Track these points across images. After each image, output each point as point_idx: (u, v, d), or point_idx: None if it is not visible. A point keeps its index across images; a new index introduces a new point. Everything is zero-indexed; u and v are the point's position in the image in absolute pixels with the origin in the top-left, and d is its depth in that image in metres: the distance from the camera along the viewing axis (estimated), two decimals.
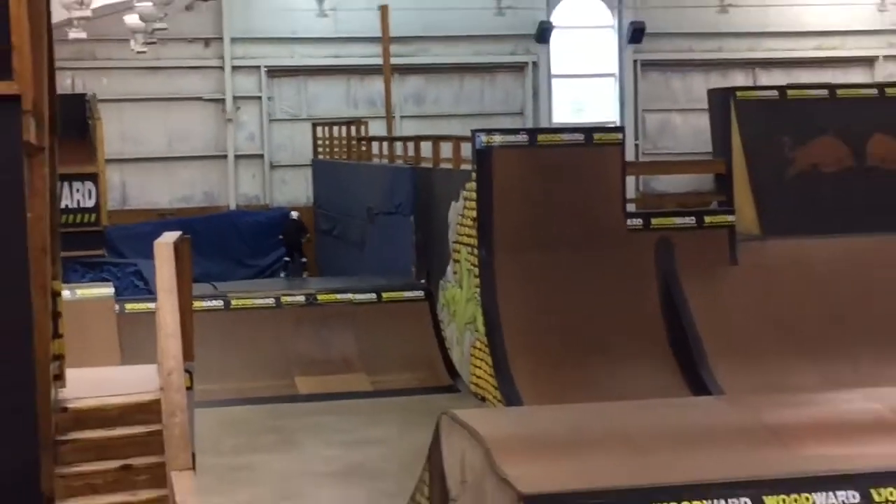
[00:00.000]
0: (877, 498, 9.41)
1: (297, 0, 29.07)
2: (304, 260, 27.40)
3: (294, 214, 27.62)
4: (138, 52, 27.75)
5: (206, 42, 29.59)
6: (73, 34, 23.34)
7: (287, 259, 27.06)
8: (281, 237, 27.63)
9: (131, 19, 25.63)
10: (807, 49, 31.56)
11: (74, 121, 23.66)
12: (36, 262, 7.08)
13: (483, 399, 17.38)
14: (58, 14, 17.53)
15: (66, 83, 23.92)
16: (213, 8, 28.90)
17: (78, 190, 24.94)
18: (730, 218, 18.99)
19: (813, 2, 31.53)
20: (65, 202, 22.93)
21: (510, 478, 9.37)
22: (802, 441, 10.50)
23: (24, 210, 6.84)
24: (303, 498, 13.98)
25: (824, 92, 21.67)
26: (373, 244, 23.85)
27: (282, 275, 26.83)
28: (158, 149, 29.56)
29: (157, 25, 26.02)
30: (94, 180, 25.58)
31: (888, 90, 22.58)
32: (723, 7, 30.30)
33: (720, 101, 21.39)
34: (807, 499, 9.31)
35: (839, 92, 21.78)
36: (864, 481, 9.48)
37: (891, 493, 9.44)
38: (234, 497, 13.21)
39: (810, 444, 10.39)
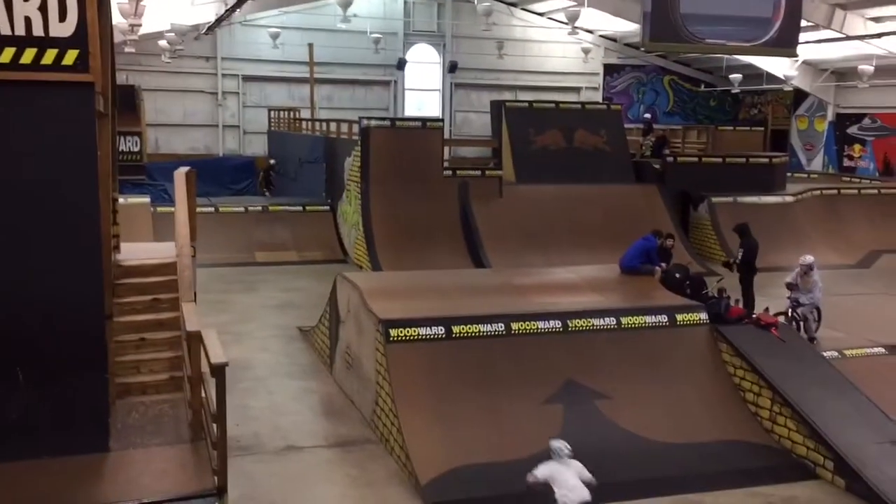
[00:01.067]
0: (570, 325, 9.67)
1: (261, 37, 28.07)
2: (272, 186, 25.58)
3: (272, 161, 25.92)
4: (166, 62, 26.62)
5: (207, 59, 28.44)
6: (127, 49, 22.26)
7: (267, 188, 25.35)
8: (262, 172, 25.86)
9: (163, 42, 24.56)
10: (544, 81, 31.73)
11: (127, 101, 22.56)
12: (103, 181, 6.80)
13: (360, 267, 17.41)
14: (117, 36, 16.65)
15: (122, 78, 22.68)
16: (212, 39, 27.78)
17: (129, 141, 23.91)
18: (499, 172, 19.17)
19: (548, 55, 31.64)
20: (121, 147, 21.97)
21: (374, 309, 9.41)
22: (532, 294, 10.72)
23: (95, 150, 6.54)
24: (257, 319, 13.88)
25: (552, 105, 21.88)
26: (301, 179, 23.45)
27: (265, 193, 25.06)
28: (177, 119, 28.42)
29: (178, 47, 24.99)
30: (139, 136, 24.55)
31: (587, 106, 23.03)
32: (500, 56, 30.19)
33: (497, 107, 21.47)
34: (534, 324, 9.51)
35: (561, 105, 22.05)
36: (563, 316, 9.73)
37: (577, 323, 9.72)
38: (218, 318, 13.03)
39: (536, 296, 10.61)
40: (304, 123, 25.51)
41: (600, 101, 30.17)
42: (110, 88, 7.79)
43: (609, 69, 32.75)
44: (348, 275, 11.13)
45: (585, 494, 6.54)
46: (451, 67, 30.72)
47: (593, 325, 9.70)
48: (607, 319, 9.79)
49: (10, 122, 6.26)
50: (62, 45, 6.21)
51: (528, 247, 17.15)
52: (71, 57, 6.23)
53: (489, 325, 9.31)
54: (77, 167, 6.39)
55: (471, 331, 9.25)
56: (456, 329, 9.20)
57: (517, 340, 9.36)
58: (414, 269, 14.22)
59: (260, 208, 20.12)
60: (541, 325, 9.51)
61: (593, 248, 16.29)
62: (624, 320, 9.83)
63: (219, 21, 24.08)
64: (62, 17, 6.18)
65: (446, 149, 21.79)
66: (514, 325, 9.41)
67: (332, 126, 21.63)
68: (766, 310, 10.84)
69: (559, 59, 31.86)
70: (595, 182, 19.20)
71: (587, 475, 6.68)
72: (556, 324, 9.57)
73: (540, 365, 9.25)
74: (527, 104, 21.93)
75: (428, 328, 9.11)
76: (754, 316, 10.44)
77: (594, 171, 19.72)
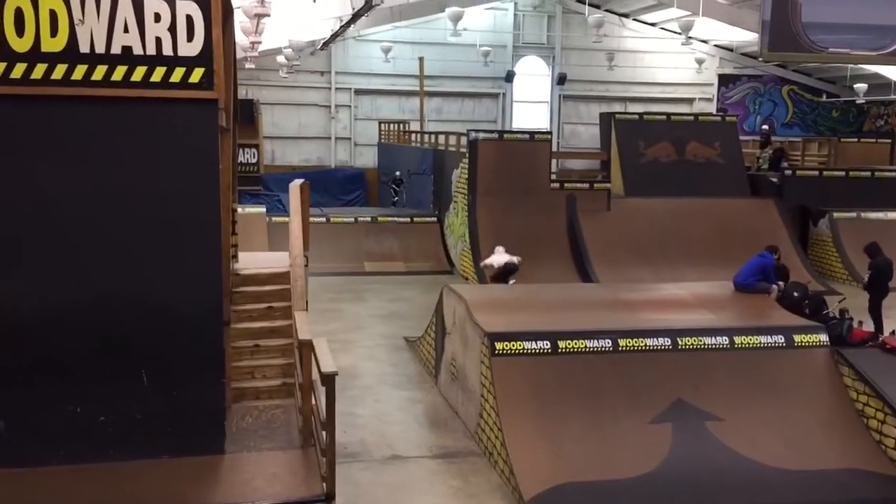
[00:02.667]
0: (681, 343, 9.40)
1: (373, 52, 28.72)
2: (397, 199, 24.55)
3: (398, 173, 24.76)
4: (283, 77, 27.57)
5: (322, 73, 29.30)
6: (248, 65, 23.20)
7: (395, 198, 24.42)
8: (393, 186, 24.66)
9: (280, 58, 25.44)
10: (655, 92, 31.21)
11: (246, 114, 23.56)
12: (224, 192, 7.09)
13: (467, 279, 17.48)
14: (239, 53, 17.37)
15: (242, 93, 23.63)
16: (326, 54, 28.60)
17: (247, 153, 24.94)
18: (607, 185, 18.90)
19: (659, 65, 31.13)
20: (240, 159, 22.80)
21: (480, 322, 9.41)
22: (640, 310, 10.48)
23: (217, 163, 6.83)
24: (366, 328, 14.11)
25: (664, 117, 21.39)
26: (409, 190, 23.78)
27: (395, 199, 24.22)
28: (293, 132, 29.36)
29: (295, 62, 25.84)
30: (256, 148, 25.60)
31: (700, 117, 22.40)
32: (610, 67, 29.91)
33: (606, 119, 21.20)
34: (642, 341, 9.28)
35: (672, 117, 21.53)
36: (673, 333, 9.46)
37: (687, 341, 9.43)
38: (328, 326, 13.34)
39: (645, 312, 10.37)
40: (413, 135, 25.88)
41: (714, 112, 29.37)
42: (232, 104, 8.13)
43: (724, 79, 31.89)
44: (454, 287, 11.17)
45: (502, 261, 14.35)
46: (560, 79, 30.58)
47: (705, 343, 9.40)
48: (720, 338, 9.47)
49: (140, 137, 6.61)
50: (189, 63, 6.52)
51: (637, 261, 16.82)
52: (197, 75, 6.54)
53: (596, 341, 9.16)
54: (201, 179, 6.70)
55: (577, 346, 9.12)
56: (562, 344, 9.09)
57: (624, 357, 9.16)
58: (520, 282, 14.18)
59: (369, 219, 20.50)
60: (649, 342, 9.28)
61: (705, 265, 15.84)
62: (737, 340, 9.49)
63: (334, 37, 24.77)
64: (190, 37, 6.50)
65: (554, 161, 21.66)
66: (622, 342, 9.22)
67: (441, 138, 21.86)
68: (893, 333, 10.25)
69: (671, 70, 31.25)
70: (707, 195, 18.67)
71: (514, 259, 14.36)
72: (665, 341, 9.32)
73: (648, 383, 9.03)
74: (637, 116, 21.54)
75: (534, 342, 9.03)
76: (880, 339, 9.90)
77: (707, 184, 19.19)
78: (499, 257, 14.74)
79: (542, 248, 17.35)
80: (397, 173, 24.57)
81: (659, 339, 9.32)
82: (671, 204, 18.37)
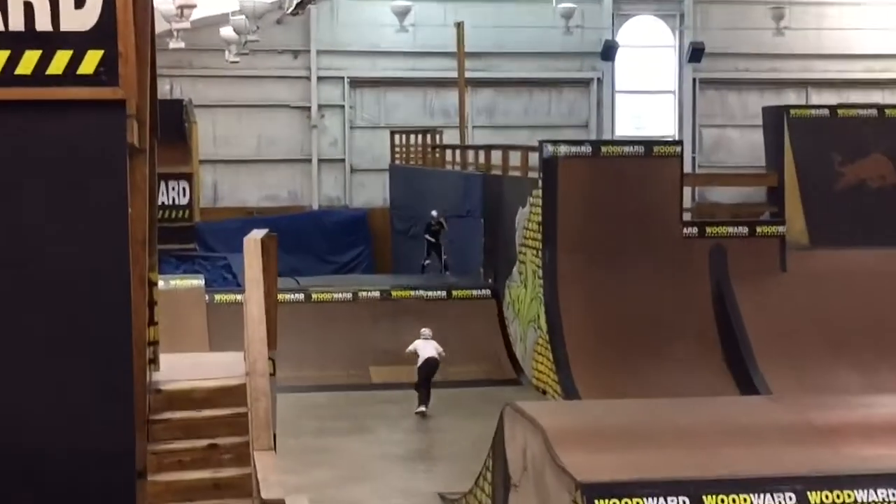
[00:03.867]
0: None
1: (380, 15, 29.15)
2: (444, 257, 23.90)
3: (434, 213, 23.95)
4: (232, 62, 28.10)
5: (295, 53, 29.82)
6: (173, 44, 23.59)
7: (426, 260, 24.31)
8: (427, 237, 24.14)
9: (226, 31, 25.96)
10: (857, 71, 31.23)
11: (172, 124, 23.83)
12: (135, 255, 7.15)
13: (544, 392, 17.39)
14: (159, 25, 17.70)
15: (164, 89, 24.05)
16: (302, 22, 29.07)
17: (174, 188, 25.22)
18: (781, 228, 18.85)
19: (863, 26, 31.17)
20: (161, 199, 23.07)
21: (568, 466, 9.34)
22: (845, 441, 10.38)
23: (126, 207, 6.89)
24: (373, 479, 14.06)
25: (873, 112, 21.41)
26: (446, 245, 23.82)
27: (425, 261, 24.18)
28: (248, 151, 29.82)
29: (250, 37, 26.33)
30: (188, 179, 25.90)
31: None
32: (779, 30, 30.01)
33: (774, 118, 21.25)
34: (849, 495, 9.20)
35: (887, 112, 21.51)
36: None
37: None
38: (311, 476, 13.30)
39: (853, 444, 10.27)
40: (448, 152, 26.05)
41: None
42: (149, 107, 8.24)
43: None
44: (523, 406, 11.15)
45: (427, 352, 17.33)
46: (695, 54, 30.74)
47: None
48: None
49: None
50: (78, 43, 6.64)
51: (836, 358, 16.84)
52: (91, 62, 6.65)
53: (771, 496, 9.10)
54: (97, 235, 6.76)
55: None
56: (709, 501, 9.04)
57: None
58: (633, 395, 14.12)
59: (378, 294, 20.55)
60: (862, 496, 9.21)
61: None
62: None
63: None
64: (79, 2, 6.63)
65: (688, 189, 21.63)
66: (815, 496, 9.16)
67: (495, 156, 21.96)
68: None
69: (883, 34, 31.31)
70: None
71: (440, 349, 17.41)
72: (889, 494, 9.22)
73: None
74: (827, 111, 21.59)
75: (661, 499, 8.98)
76: None
77: None
78: (424, 345, 16.75)
79: (671, 337, 17.28)
80: (434, 213, 24.15)
81: (879, 490, 9.26)
82: (890, 259, 18.29)
